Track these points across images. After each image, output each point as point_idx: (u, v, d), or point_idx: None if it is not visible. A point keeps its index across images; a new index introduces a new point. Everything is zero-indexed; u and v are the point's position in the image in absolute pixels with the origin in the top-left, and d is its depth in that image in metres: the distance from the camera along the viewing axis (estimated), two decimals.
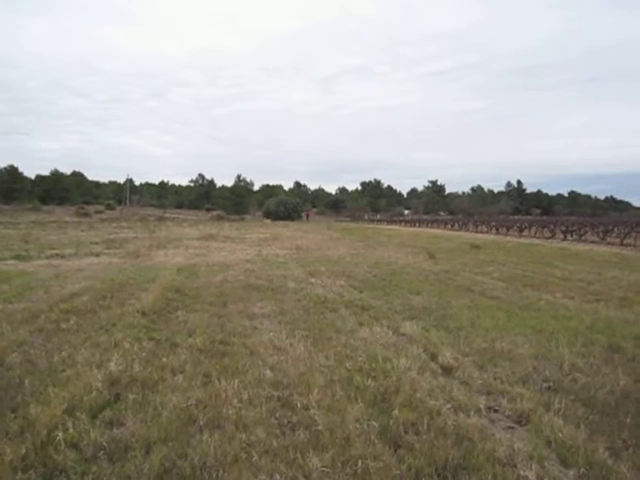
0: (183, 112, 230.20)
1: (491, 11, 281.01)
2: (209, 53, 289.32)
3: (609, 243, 26.60)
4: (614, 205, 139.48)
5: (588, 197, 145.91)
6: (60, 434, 3.42)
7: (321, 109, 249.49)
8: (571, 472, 3.20)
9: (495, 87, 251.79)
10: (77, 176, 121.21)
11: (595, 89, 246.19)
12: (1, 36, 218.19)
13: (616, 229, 31.16)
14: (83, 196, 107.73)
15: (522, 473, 3.13)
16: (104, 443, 3.39)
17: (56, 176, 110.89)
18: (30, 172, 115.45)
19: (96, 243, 21.88)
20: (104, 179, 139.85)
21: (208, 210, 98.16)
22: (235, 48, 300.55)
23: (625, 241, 26.18)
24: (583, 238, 29.97)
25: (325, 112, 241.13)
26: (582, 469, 3.20)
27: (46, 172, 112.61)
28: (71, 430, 3.51)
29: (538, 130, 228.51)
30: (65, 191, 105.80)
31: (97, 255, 17.03)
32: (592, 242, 27.49)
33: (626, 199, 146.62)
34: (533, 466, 3.20)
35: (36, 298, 8.62)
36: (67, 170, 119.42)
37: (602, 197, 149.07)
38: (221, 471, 3.08)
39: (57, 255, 16.47)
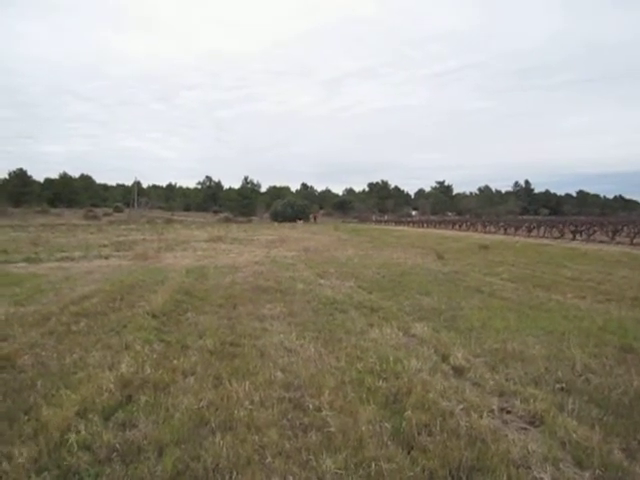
0: (189, 115, 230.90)
1: (494, 11, 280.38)
2: (214, 56, 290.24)
3: (619, 242, 26.39)
4: (623, 204, 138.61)
5: (597, 196, 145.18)
6: (73, 436, 3.43)
7: (327, 111, 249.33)
8: (587, 474, 3.17)
9: (501, 86, 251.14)
10: (85, 179, 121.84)
11: (602, 87, 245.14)
12: (6, 42, 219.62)
13: (625, 228, 30.96)
14: (91, 199, 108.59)
15: (537, 475, 3.10)
16: (117, 445, 3.40)
17: (64, 179, 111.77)
18: (39, 176, 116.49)
19: (105, 245, 22.02)
20: (112, 182, 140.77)
21: (215, 212, 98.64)
22: (240, 51, 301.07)
23: (635, 240, 25.97)
24: (592, 238, 29.77)
25: (331, 114, 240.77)
26: (597, 471, 3.17)
27: (55, 175, 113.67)
28: (84, 432, 3.52)
29: (545, 129, 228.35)
30: (74, 194, 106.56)
31: (106, 257, 17.14)
32: (601, 242, 27.30)
33: (635, 198, 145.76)
34: (548, 468, 3.18)
35: (47, 300, 8.68)
36: (75, 173, 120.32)
37: (611, 196, 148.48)
38: (234, 473, 3.08)
39: (67, 258, 16.60)
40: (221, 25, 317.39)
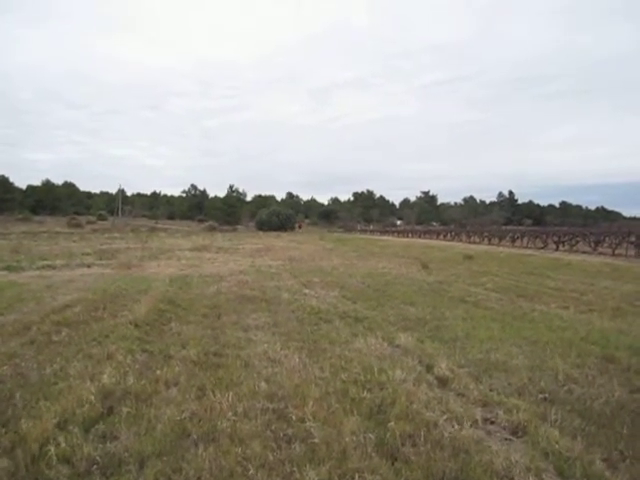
0: (177, 123, 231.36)
1: (486, 23, 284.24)
2: (205, 64, 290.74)
3: (601, 253, 26.77)
4: (605, 215, 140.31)
5: (579, 207, 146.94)
6: (52, 449, 3.37)
7: (315, 121, 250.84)
8: None
9: (488, 99, 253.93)
10: (69, 186, 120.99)
11: (587, 101, 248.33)
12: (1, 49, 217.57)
13: (607, 239, 31.33)
14: (74, 206, 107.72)
15: None
16: (97, 457, 3.34)
17: (47, 186, 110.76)
18: (22, 183, 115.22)
19: (88, 254, 21.73)
20: (96, 190, 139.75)
21: (200, 221, 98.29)
22: (230, 60, 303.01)
23: (616, 251, 26.37)
24: (575, 248, 30.15)
25: (319, 124, 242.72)
26: None
27: (38, 183, 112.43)
28: (63, 444, 3.45)
29: (530, 141, 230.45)
30: (56, 201, 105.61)
31: (89, 266, 16.92)
32: (584, 252, 27.66)
33: (617, 209, 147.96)
34: (530, 478, 3.19)
35: (27, 310, 8.53)
36: (59, 181, 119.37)
37: (593, 207, 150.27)
38: None
39: (48, 266, 16.34)
40: (212, 34, 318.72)
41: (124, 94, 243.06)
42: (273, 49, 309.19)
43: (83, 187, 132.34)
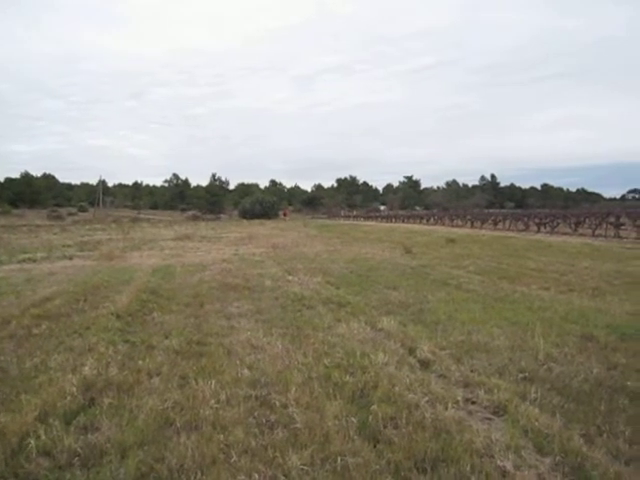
0: (160, 112, 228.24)
1: (470, 9, 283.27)
2: (188, 52, 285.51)
3: (581, 234, 27.05)
4: (585, 197, 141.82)
5: (560, 190, 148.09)
6: (32, 442, 3.33)
7: (299, 108, 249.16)
8: (547, 460, 3.24)
9: (472, 84, 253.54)
10: (48, 178, 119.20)
11: (567, 85, 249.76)
12: None
13: (587, 220, 31.68)
14: (55, 199, 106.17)
15: (499, 463, 3.15)
16: (78, 449, 3.31)
17: (26, 179, 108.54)
18: (0, 176, 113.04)
19: (69, 246, 21.50)
20: (77, 181, 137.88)
21: (183, 210, 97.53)
22: (214, 47, 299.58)
23: (596, 232, 26.65)
24: (556, 230, 30.42)
25: (304, 110, 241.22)
26: (558, 457, 3.24)
27: (16, 175, 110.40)
28: (43, 437, 3.42)
29: (512, 125, 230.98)
30: (36, 194, 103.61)
31: (70, 258, 16.75)
32: (565, 234, 27.92)
33: (597, 191, 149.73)
34: (510, 456, 3.23)
35: (7, 303, 8.42)
36: (40, 173, 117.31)
37: (574, 189, 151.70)
38: (199, 473, 3.04)
39: (29, 259, 16.13)
40: (195, 21, 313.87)
41: (106, 84, 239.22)
42: (256, 37, 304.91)
43: (63, 178, 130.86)
